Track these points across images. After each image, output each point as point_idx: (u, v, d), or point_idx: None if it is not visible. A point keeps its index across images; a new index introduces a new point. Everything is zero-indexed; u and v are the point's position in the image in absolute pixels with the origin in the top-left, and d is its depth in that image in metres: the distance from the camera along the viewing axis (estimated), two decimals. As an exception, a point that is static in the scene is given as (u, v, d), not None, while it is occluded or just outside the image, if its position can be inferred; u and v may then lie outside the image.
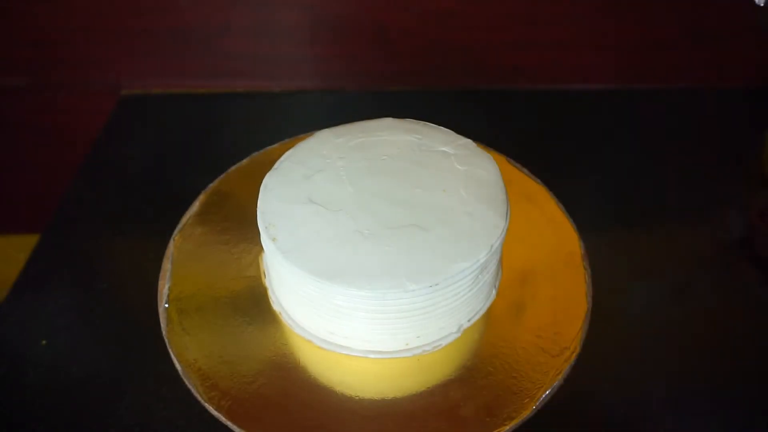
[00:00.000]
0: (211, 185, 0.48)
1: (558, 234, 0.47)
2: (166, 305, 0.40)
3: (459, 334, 0.40)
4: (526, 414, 0.36)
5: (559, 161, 0.67)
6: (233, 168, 0.49)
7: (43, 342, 0.50)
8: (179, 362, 0.37)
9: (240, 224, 0.46)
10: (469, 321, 0.41)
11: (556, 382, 0.38)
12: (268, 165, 0.44)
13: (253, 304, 0.42)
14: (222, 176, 0.49)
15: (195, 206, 0.46)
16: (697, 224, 0.62)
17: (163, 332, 0.39)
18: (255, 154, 0.50)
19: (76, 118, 0.79)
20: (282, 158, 0.43)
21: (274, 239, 0.38)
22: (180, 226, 0.45)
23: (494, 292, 0.42)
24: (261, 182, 0.42)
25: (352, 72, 0.78)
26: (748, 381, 0.48)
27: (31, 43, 0.73)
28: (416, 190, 0.40)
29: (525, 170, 0.50)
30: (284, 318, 0.41)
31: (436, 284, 0.36)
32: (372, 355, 0.39)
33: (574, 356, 0.39)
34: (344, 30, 0.74)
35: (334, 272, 0.36)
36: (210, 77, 0.78)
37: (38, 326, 0.51)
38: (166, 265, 0.43)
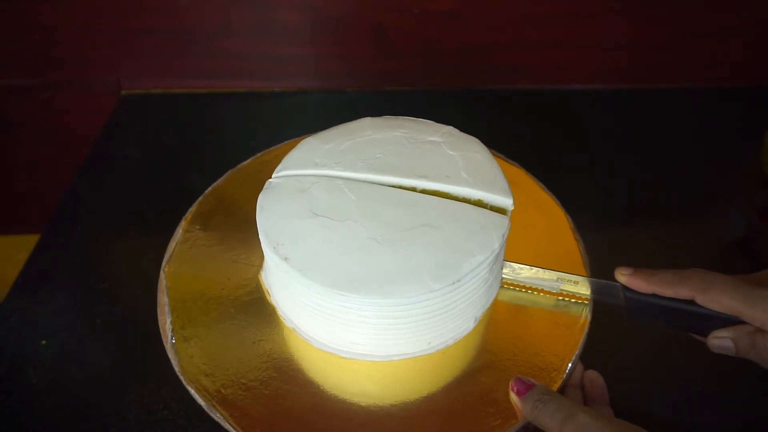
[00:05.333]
0: (197, 202, 0.47)
1: (545, 212, 0.48)
2: (173, 341, 0.39)
3: (476, 323, 0.40)
4: (556, 387, 0.37)
5: (559, 161, 0.67)
6: (221, 180, 0.48)
7: (43, 342, 0.50)
8: (200, 397, 0.36)
9: (235, 236, 0.45)
10: (482, 309, 0.41)
11: (577, 351, 0.39)
12: (254, 175, 0.44)
13: (265, 323, 0.41)
14: (208, 189, 0.48)
15: (179, 233, 0.45)
16: (697, 224, 0.63)
17: (175, 368, 0.38)
18: (243, 164, 0.50)
19: (76, 118, 0.79)
20: (273, 176, 0.42)
21: (286, 259, 0.36)
22: (168, 255, 0.44)
23: (499, 283, 0.43)
24: (250, 189, 0.42)
25: (352, 72, 0.78)
26: (748, 380, 0.48)
27: (32, 42, 0.73)
28: (421, 181, 0.41)
29: (501, 155, 0.50)
30: (300, 334, 0.40)
31: (459, 280, 0.36)
32: (396, 358, 0.39)
33: (587, 324, 0.40)
34: (344, 30, 0.74)
35: (357, 283, 0.35)
36: (210, 77, 0.78)
37: (38, 326, 0.51)
38: (163, 300, 0.41)
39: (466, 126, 0.46)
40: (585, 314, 0.41)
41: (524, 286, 0.43)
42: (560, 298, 0.42)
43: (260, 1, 0.71)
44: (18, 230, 0.86)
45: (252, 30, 0.74)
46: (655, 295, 0.37)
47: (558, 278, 0.42)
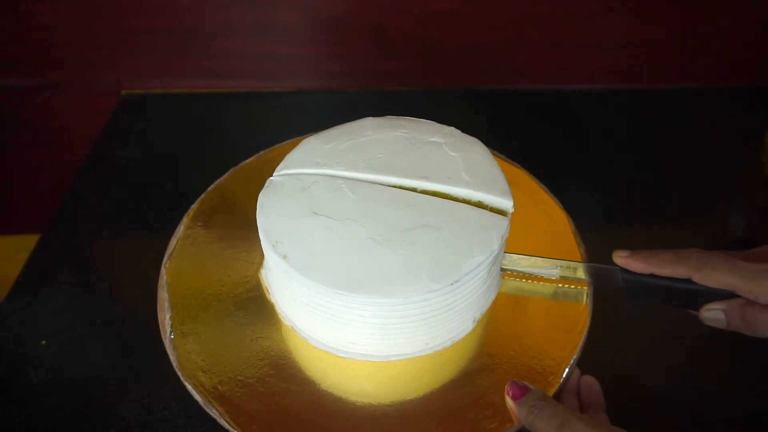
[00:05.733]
0: (199, 199, 0.47)
1: (545, 212, 0.47)
2: (172, 337, 0.39)
3: (474, 325, 0.40)
4: (553, 391, 0.37)
5: (559, 161, 0.67)
6: (223, 178, 0.49)
7: (43, 342, 0.50)
8: (197, 393, 0.36)
9: (236, 234, 0.45)
10: (481, 310, 0.41)
11: (575, 356, 0.39)
12: (256, 174, 0.44)
13: (263, 321, 0.41)
14: (211, 187, 0.48)
15: (180, 230, 0.45)
16: (697, 224, 0.63)
17: (173, 363, 0.38)
18: (245, 162, 0.50)
19: (76, 118, 0.79)
20: (274, 174, 0.42)
21: (285, 257, 0.36)
22: (169, 251, 0.44)
23: (498, 284, 0.43)
24: (252, 188, 0.42)
25: (352, 72, 0.78)
26: (748, 380, 0.48)
27: (32, 42, 0.73)
28: (421, 182, 0.41)
29: (501, 155, 0.50)
30: (298, 332, 0.40)
31: (458, 281, 0.36)
32: (394, 358, 0.39)
33: (586, 328, 0.40)
34: (344, 30, 0.74)
35: (356, 283, 0.35)
36: (210, 77, 0.78)
37: (38, 326, 0.51)
38: (162, 295, 0.41)
39: (466, 126, 0.46)
40: (584, 317, 0.41)
41: (523, 276, 0.43)
42: (559, 285, 0.43)
43: (260, 1, 0.71)
44: (18, 230, 0.86)
45: (252, 30, 0.74)
46: (652, 276, 0.38)
47: (556, 265, 0.42)
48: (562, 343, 0.40)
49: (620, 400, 0.42)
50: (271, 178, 0.42)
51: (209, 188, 0.49)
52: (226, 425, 0.35)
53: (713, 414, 0.46)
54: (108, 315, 0.52)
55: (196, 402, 0.36)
